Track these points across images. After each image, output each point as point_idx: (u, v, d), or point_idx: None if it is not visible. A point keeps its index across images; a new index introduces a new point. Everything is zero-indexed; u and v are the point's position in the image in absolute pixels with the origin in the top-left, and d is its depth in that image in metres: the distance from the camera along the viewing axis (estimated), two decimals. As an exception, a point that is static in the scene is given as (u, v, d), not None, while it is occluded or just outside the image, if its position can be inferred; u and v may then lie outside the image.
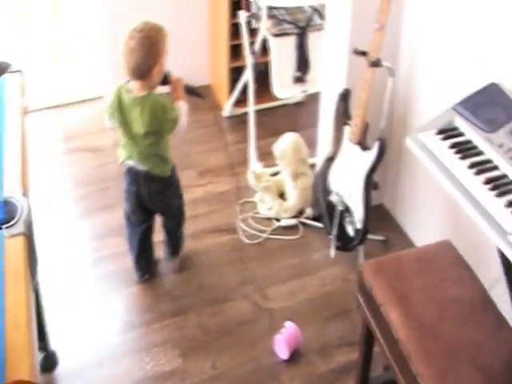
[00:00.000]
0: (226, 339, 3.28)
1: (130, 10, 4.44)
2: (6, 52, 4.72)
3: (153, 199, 3.30)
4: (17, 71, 2.98)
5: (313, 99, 3.98)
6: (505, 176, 2.46)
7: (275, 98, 4.28)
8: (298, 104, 4.73)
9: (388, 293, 2.45)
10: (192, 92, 3.22)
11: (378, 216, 3.85)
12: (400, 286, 2.47)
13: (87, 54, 5.07)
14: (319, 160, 3.84)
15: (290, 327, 3.22)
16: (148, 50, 2.90)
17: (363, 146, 3.28)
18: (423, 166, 2.61)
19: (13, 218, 2.22)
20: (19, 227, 2.20)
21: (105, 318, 3.40)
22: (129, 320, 3.38)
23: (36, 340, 2.09)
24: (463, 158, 2.56)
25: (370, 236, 3.50)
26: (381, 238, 3.72)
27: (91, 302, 3.48)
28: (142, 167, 3.18)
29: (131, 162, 3.20)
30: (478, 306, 2.42)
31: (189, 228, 3.78)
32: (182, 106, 3.12)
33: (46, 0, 4.81)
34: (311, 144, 4.02)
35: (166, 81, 3.11)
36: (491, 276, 2.77)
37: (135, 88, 3.01)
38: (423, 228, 3.65)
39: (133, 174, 3.23)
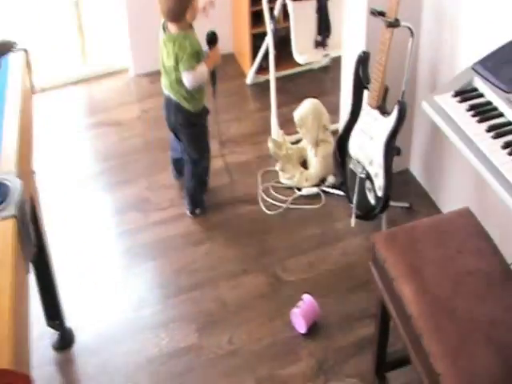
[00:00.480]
0: (244, 313, 3.19)
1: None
2: (18, 29, 4.64)
3: (177, 129, 3.54)
4: (21, 50, 2.89)
5: (338, 64, 3.82)
6: (525, 139, 2.30)
7: (299, 64, 4.12)
8: (323, 69, 4.57)
9: (401, 266, 2.32)
10: (213, 76, 3.42)
11: (404, 182, 3.72)
12: (414, 258, 2.33)
13: (108, 27, 4.96)
14: (342, 126, 3.70)
15: (307, 300, 3.12)
16: None
17: (383, 110, 3.14)
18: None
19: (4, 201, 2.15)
20: (10, 210, 2.13)
21: (121, 294, 3.34)
22: (145, 296, 3.32)
23: (27, 327, 2.04)
24: (481, 120, 2.42)
25: (393, 203, 3.37)
26: (405, 204, 3.58)
27: (108, 278, 3.42)
28: (173, 97, 3.40)
29: (166, 91, 3.44)
30: (496, 279, 2.27)
31: (209, 200, 3.73)
32: (202, 68, 3.28)
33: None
34: (335, 110, 3.89)
35: (211, 40, 3.34)
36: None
37: (171, 27, 3.27)
38: (450, 194, 3.50)
39: (166, 101, 3.49)
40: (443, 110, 2.49)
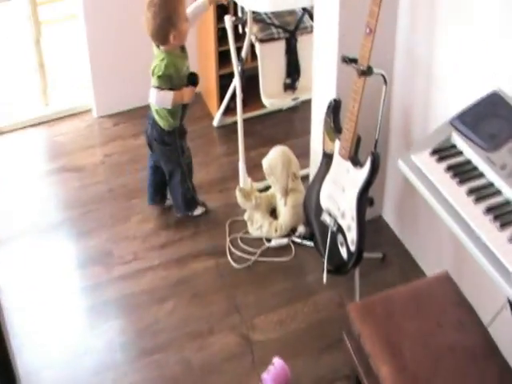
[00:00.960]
0: (211, 378, 3.03)
1: (109, 21, 4.18)
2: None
3: (153, 144, 3.57)
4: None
5: (307, 103, 3.67)
6: (508, 203, 2.16)
7: (267, 105, 3.98)
8: (292, 109, 4.41)
9: (377, 341, 2.17)
10: (183, 111, 3.45)
11: (376, 230, 3.58)
12: (391, 332, 2.18)
13: (70, 66, 4.80)
14: (312, 171, 3.55)
15: (277, 364, 2.95)
16: (162, 19, 3.21)
17: (355, 161, 2.99)
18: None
19: None
20: None
21: (82, 356, 3.16)
22: (107, 359, 3.13)
23: None
24: (461, 182, 2.29)
25: (365, 254, 3.21)
26: (378, 255, 3.44)
27: (68, 338, 3.25)
28: (152, 110, 3.47)
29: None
30: (479, 354, 2.13)
31: (173, 253, 3.58)
32: (167, 94, 3.32)
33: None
34: (305, 153, 3.74)
35: (189, 80, 3.40)
36: (494, 307, 2.47)
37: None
38: (425, 244, 3.37)
39: (148, 115, 3.54)
40: (420, 170, 2.35)
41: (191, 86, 3.39)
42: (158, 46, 3.33)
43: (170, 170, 3.62)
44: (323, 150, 3.17)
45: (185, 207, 3.71)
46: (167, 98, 3.33)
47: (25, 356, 3.11)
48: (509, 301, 2.30)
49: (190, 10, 3.46)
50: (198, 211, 3.77)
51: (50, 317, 3.33)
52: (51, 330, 3.27)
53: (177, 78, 3.36)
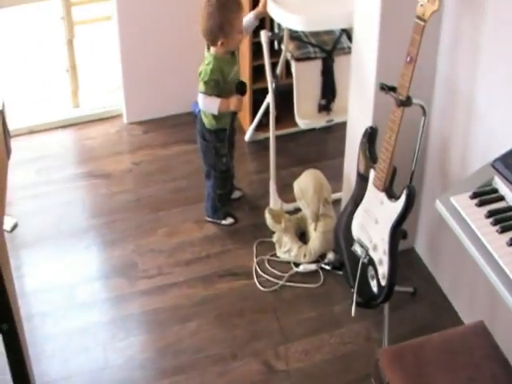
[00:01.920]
0: (231, 406, 2.97)
1: (143, 25, 4.14)
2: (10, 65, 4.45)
3: (197, 136, 3.61)
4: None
5: (343, 124, 3.59)
6: (552, 255, 2.08)
7: (301, 123, 3.90)
8: (326, 128, 4.33)
9: (407, 392, 2.09)
10: (232, 120, 3.42)
11: (408, 263, 3.48)
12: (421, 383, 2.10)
13: (102, 69, 4.77)
14: (345, 196, 3.48)
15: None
16: (214, 23, 3.23)
17: (390, 194, 2.91)
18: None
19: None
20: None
21: (100, 370, 3.11)
22: (125, 375, 3.08)
23: None
24: (502, 230, 2.19)
25: (396, 288, 3.14)
26: (409, 289, 3.36)
27: (88, 352, 3.19)
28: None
29: None
30: (512, 412, 2.05)
31: (199, 271, 3.52)
32: (214, 100, 3.35)
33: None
34: (338, 176, 3.66)
35: (237, 89, 3.36)
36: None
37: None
38: (458, 283, 3.27)
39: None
40: (459, 213, 2.27)
41: (239, 95, 3.37)
42: (208, 48, 3.35)
43: (206, 169, 3.66)
44: (358, 170, 3.08)
45: (211, 212, 3.75)
46: (213, 104, 3.35)
47: (43, 365, 3.09)
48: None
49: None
50: (227, 221, 3.77)
51: (70, 326, 3.29)
52: (71, 339, 3.23)
53: (224, 83, 3.36)
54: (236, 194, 3.88)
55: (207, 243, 3.66)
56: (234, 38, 3.30)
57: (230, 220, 3.76)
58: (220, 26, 3.24)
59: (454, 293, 3.30)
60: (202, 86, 3.34)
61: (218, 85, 3.35)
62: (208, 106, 3.37)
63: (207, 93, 3.33)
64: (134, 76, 4.31)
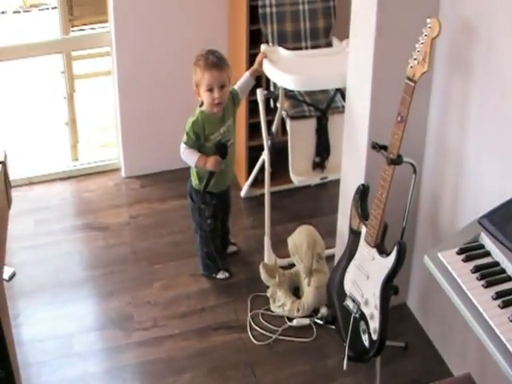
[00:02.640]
0: None
1: (142, 81, 4.24)
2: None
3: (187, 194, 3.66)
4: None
5: (337, 181, 3.67)
6: (537, 310, 2.14)
7: (295, 179, 3.99)
8: (321, 185, 4.41)
9: None
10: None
11: (400, 317, 3.54)
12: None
13: (100, 123, 4.88)
14: (338, 252, 3.55)
15: None
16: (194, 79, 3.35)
17: (381, 249, 2.98)
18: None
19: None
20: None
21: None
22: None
23: None
24: (488, 285, 2.25)
25: (388, 342, 3.18)
26: (401, 344, 3.40)
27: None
28: None
29: None
30: None
31: (193, 323, 3.56)
32: (192, 154, 3.41)
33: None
34: (332, 232, 3.73)
35: (217, 151, 3.41)
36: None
37: None
38: (449, 337, 3.32)
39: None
40: (447, 269, 2.34)
41: (217, 156, 3.41)
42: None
43: (194, 227, 3.73)
44: (350, 226, 3.15)
45: (202, 269, 3.81)
46: (192, 157, 3.41)
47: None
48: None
49: (237, 85, 3.57)
50: (221, 276, 3.82)
51: (66, 375, 3.31)
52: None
53: (205, 140, 3.41)
54: (231, 249, 3.94)
55: (202, 296, 3.71)
56: (203, 96, 3.35)
57: (224, 274, 3.81)
58: (195, 82, 3.36)
59: (445, 346, 3.34)
60: (184, 137, 3.40)
61: (199, 140, 3.41)
62: (187, 157, 3.42)
63: (188, 143, 3.40)
64: (132, 131, 4.41)
